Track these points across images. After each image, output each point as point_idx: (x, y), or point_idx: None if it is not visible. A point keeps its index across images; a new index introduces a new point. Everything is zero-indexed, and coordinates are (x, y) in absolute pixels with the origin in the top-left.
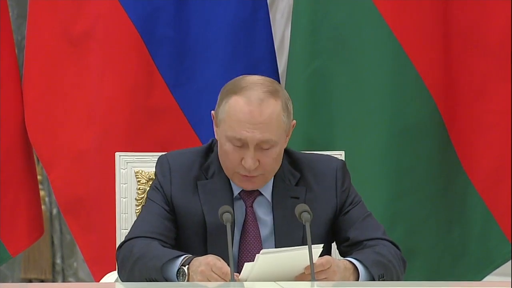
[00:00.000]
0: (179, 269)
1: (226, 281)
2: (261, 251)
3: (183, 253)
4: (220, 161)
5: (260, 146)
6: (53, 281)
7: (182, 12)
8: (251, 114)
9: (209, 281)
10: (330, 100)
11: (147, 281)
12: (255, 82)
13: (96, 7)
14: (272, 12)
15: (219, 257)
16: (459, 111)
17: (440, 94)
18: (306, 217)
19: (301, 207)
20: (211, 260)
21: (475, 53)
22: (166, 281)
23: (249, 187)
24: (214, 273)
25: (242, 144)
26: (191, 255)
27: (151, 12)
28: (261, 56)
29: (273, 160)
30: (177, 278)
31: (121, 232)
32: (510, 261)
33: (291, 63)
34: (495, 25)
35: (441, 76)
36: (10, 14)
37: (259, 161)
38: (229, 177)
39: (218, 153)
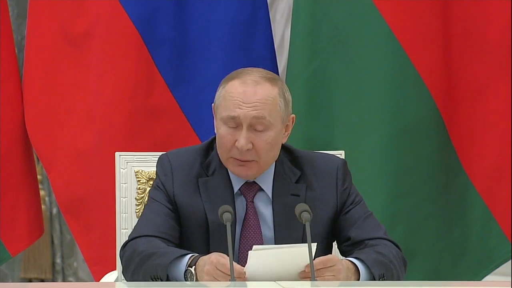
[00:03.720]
0: (186, 270)
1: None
2: (253, 247)
3: (188, 252)
4: (218, 151)
5: (254, 127)
6: (53, 281)
7: (182, 12)
8: (245, 93)
9: (216, 279)
10: (330, 100)
11: (152, 279)
12: (253, 69)
13: (96, 7)
14: (272, 12)
15: (222, 254)
16: (459, 111)
17: (440, 94)
18: (306, 216)
19: (301, 206)
20: (214, 258)
21: (475, 53)
22: (169, 278)
23: (242, 173)
24: (219, 270)
25: (237, 125)
26: (196, 254)
27: (151, 12)
28: (261, 56)
29: (268, 145)
30: (185, 279)
31: (121, 232)
32: (510, 261)
33: (291, 63)
34: (495, 25)
35: (441, 76)
36: (10, 14)
37: (252, 144)
38: (224, 164)
39: (217, 146)
